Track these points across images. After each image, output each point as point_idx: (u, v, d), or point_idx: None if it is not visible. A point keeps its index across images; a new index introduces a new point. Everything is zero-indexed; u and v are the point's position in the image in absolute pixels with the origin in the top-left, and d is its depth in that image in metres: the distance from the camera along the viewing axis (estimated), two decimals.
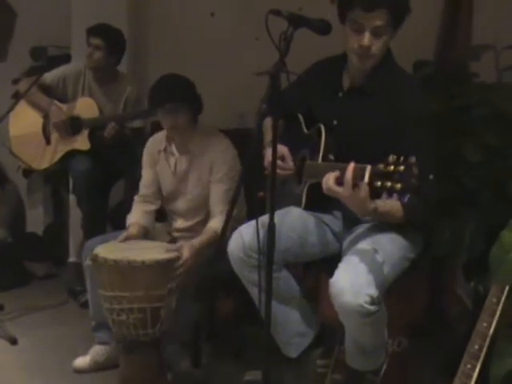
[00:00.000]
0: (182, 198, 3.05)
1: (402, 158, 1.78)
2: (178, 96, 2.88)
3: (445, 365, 2.59)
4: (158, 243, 2.90)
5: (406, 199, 1.80)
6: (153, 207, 3.12)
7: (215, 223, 2.84)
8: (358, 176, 1.92)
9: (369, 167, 1.86)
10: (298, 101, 2.49)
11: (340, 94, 2.35)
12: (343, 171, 1.97)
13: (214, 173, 2.93)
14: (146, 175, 3.14)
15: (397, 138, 2.09)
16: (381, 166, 1.82)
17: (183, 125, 2.91)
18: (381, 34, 2.18)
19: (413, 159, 1.77)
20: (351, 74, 2.34)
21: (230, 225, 2.15)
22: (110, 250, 2.71)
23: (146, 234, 3.02)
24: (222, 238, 2.19)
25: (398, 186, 1.77)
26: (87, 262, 2.81)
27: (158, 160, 3.09)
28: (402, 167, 1.77)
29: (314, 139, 2.32)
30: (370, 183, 1.86)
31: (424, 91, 2.26)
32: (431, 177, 1.90)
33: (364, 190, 1.92)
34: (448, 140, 2.71)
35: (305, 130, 2.46)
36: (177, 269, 2.64)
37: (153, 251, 2.70)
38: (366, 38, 2.17)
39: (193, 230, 3.04)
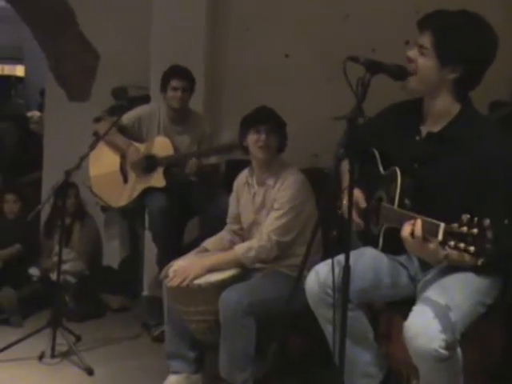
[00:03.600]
0: (259, 230, 3.11)
1: (475, 220, 1.77)
2: (273, 118, 3.09)
3: None
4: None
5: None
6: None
7: (244, 245, 3.01)
8: (430, 231, 1.94)
9: (442, 226, 1.86)
10: (371, 141, 2.50)
11: (417, 138, 2.34)
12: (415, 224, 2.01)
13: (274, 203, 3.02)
14: (231, 209, 3.29)
15: (476, 185, 2.09)
16: (455, 225, 1.81)
17: (274, 145, 3.05)
18: (424, 54, 2.20)
19: (487, 222, 1.75)
20: (429, 118, 2.33)
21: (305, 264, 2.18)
22: None
23: None
24: (298, 278, 2.22)
25: (472, 249, 1.76)
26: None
27: (243, 193, 3.21)
28: (475, 230, 1.76)
29: (390, 181, 2.32)
30: (444, 242, 1.86)
31: (506, 136, 2.22)
32: (506, 221, 1.88)
33: (435, 244, 1.95)
34: None
35: (381, 170, 2.45)
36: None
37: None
38: (411, 50, 2.23)
39: (268, 263, 3.06)
